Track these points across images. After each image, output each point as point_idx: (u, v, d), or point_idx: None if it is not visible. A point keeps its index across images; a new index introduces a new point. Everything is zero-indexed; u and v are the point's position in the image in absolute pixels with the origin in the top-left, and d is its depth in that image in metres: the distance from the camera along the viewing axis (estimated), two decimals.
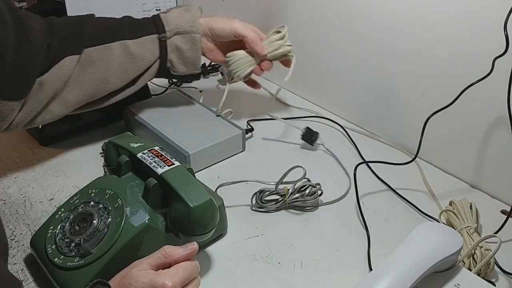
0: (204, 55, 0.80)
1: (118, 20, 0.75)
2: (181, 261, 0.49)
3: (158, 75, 0.78)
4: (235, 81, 1.04)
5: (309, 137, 0.82)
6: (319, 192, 0.69)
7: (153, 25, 0.74)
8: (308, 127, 0.83)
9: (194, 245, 0.51)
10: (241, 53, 0.80)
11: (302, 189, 0.68)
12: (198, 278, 0.51)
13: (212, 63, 1.08)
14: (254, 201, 0.68)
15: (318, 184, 0.69)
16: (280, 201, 0.68)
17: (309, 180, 0.69)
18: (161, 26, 0.74)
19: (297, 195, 0.68)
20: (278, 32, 0.80)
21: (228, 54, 0.80)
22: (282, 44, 0.80)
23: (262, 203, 0.68)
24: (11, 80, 0.61)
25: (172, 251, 0.49)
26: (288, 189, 0.68)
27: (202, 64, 1.08)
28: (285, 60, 0.83)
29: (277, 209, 0.68)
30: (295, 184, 0.68)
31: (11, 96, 0.62)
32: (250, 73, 0.82)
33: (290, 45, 0.81)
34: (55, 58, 0.67)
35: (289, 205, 0.68)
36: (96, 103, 0.74)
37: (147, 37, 0.73)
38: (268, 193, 0.68)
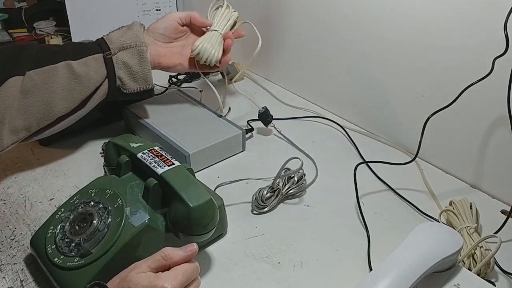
0: (159, 65, 0.78)
1: (62, 45, 0.74)
2: (180, 263, 0.49)
3: (108, 95, 0.75)
4: (234, 81, 1.05)
5: (265, 117, 0.84)
6: (304, 174, 0.71)
7: (96, 45, 0.73)
8: (266, 108, 0.85)
9: (193, 247, 0.50)
10: (201, 38, 0.80)
11: (291, 178, 0.71)
12: (199, 279, 0.50)
13: None
14: (255, 204, 0.68)
15: (301, 169, 0.71)
16: (278, 195, 0.69)
17: (289, 169, 0.71)
18: (105, 45, 0.73)
19: (288, 184, 0.70)
20: (220, 6, 0.84)
21: (193, 47, 0.80)
22: (229, 16, 0.83)
23: (263, 202, 0.68)
24: None
25: (171, 253, 0.49)
26: (279, 183, 0.69)
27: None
28: (236, 32, 0.85)
29: (278, 203, 0.69)
30: (284, 173, 0.70)
31: None
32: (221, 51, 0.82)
33: (235, 11, 0.84)
34: None
35: (285, 196, 0.70)
36: (45, 128, 0.71)
37: (92, 56, 0.72)
38: (265, 191, 0.68)
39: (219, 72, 1.02)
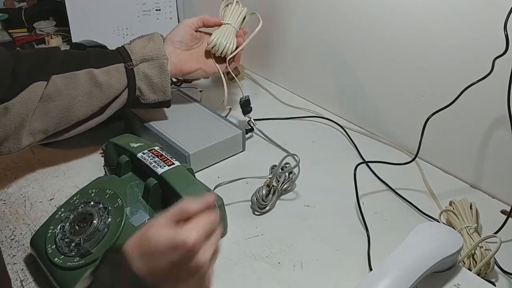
0: (180, 72, 0.80)
1: (85, 51, 0.75)
2: (199, 215, 0.44)
3: (127, 104, 0.76)
4: (234, 81, 1.04)
5: (246, 107, 0.84)
6: (292, 166, 0.71)
7: (119, 55, 0.74)
8: (249, 98, 0.86)
9: (212, 196, 0.46)
10: (216, 32, 0.83)
11: (283, 172, 0.72)
12: (219, 230, 0.46)
13: None
14: (256, 205, 0.68)
15: (287, 163, 0.73)
16: (275, 192, 0.69)
17: (276, 166, 0.72)
18: (127, 55, 0.74)
19: (281, 179, 0.71)
20: (230, 3, 0.86)
21: (208, 41, 0.82)
22: (240, 10, 0.86)
23: (264, 201, 0.68)
24: None
25: (189, 205, 0.44)
26: (274, 180, 0.70)
27: None
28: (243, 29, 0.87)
29: (276, 200, 0.70)
30: (275, 171, 0.71)
31: None
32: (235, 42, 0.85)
33: (244, 7, 0.87)
34: (22, 84, 0.66)
35: (282, 192, 0.71)
36: (62, 132, 0.72)
37: (114, 66, 0.73)
38: (264, 191, 0.68)
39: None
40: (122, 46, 0.76)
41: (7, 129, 0.65)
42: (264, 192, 0.68)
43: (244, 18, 0.87)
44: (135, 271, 0.40)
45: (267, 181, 0.70)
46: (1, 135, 0.66)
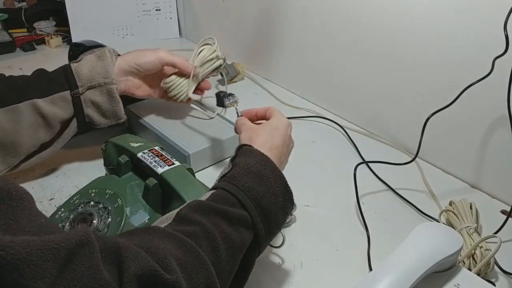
0: (132, 95, 0.77)
1: (28, 77, 0.69)
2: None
3: (80, 130, 0.73)
4: (234, 81, 1.05)
5: (221, 101, 0.73)
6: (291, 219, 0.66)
7: (64, 80, 0.69)
8: (225, 96, 0.74)
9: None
10: (176, 76, 0.77)
11: None
12: None
13: None
14: None
15: (291, 215, 0.65)
16: None
17: None
18: (73, 81, 0.69)
19: None
20: (207, 44, 0.78)
21: (165, 80, 0.77)
22: (213, 62, 0.79)
23: None
24: None
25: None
26: None
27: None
28: (204, 84, 0.82)
29: None
30: None
31: None
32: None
33: (222, 58, 0.79)
34: None
35: None
36: (15, 168, 0.69)
37: (58, 94, 0.68)
38: None
39: (219, 73, 1.02)
40: (69, 65, 0.70)
41: None
42: None
43: (219, 67, 0.80)
44: (263, 154, 0.53)
45: None
46: None
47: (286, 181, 0.52)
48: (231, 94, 0.72)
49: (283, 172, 0.53)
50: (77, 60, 0.72)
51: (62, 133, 0.71)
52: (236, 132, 0.62)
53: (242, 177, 0.49)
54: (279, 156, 0.56)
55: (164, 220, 0.45)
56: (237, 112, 0.69)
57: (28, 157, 0.69)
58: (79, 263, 0.32)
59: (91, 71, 0.70)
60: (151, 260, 0.37)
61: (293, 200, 0.52)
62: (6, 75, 0.69)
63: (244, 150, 0.54)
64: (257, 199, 0.48)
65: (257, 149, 0.53)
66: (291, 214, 0.64)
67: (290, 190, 0.52)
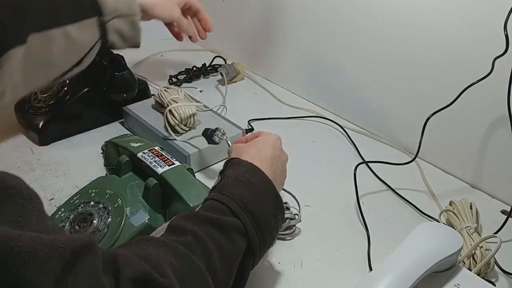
0: (152, 16, 0.82)
1: (58, 3, 0.72)
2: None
3: (99, 51, 0.77)
4: (234, 81, 1.05)
5: (210, 139, 0.72)
6: (296, 214, 0.64)
7: (92, 8, 0.73)
8: (214, 131, 0.72)
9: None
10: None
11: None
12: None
13: (212, 63, 1.08)
14: None
15: (294, 208, 0.66)
16: None
17: (285, 203, 0.63)
18: (99, 8, 0.73)
19: None
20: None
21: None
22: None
23: None
24: None
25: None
26: None
27: (203, 64, 1.08)
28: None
29: None
30: None
31: None
32: None
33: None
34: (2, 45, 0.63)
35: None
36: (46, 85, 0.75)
37: (87, 20, 0.72)
38: None
39: (219, 72, 1.03)
40: None
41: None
42: None
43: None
44: (252, 163, 0.52)
45: None
46: None
47: (275, 188, 0.52)
48: (216, 129, 0.72)
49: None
50: None
51: (87, 55, 0.75)
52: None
53: (231, 186, 0.50)
54: (269, 167, 0.55)
55: (157, 232, 0.46)
56: (228, 143, 0.70)
57: (57, 79, 0.73)
58: (82, 266, 0.32)
59: (116, 1, 0.74)
60: (146, 265, 0.37)
61: (283, 208, 0.53)
62: None
63: (232, 162, 0.54)
64: (247, 206, 0.48)
65: (245, 160, 0.53)
66: (297, 214, 0.64)
67: (280, 198, 0.52)
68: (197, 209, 0.48)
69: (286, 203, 0.66)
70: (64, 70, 0.72)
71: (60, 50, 0.70)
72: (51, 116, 0.81)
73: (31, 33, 0.66)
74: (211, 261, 0.43)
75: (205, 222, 0.46)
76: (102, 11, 0.73)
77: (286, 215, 0.63)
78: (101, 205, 0.57)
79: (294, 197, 0.69)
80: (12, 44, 0.63)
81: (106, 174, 0.72)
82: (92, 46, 0.74)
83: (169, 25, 0.88)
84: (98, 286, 0.33)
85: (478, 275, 0.55)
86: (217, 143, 0.72)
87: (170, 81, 1.03)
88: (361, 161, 0.78)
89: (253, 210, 0.48)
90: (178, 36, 0.90)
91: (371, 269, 0.60)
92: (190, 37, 0.90)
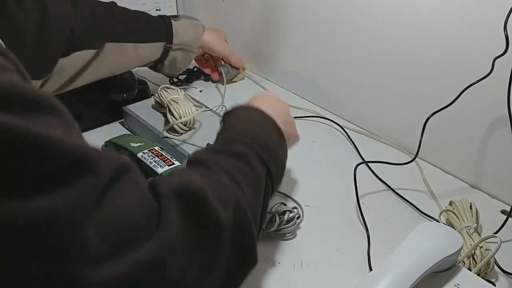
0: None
1: (136, 18, 0.82)
2: None
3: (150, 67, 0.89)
4: (235, 81, 1.05)
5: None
6: (297, 216, 0.64)
7: (164, 33, 0.84)
8: None
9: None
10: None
11: (280, 214, 0.62)
12: None
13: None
14: None
15: (296, 208, 0.65)
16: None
17: (285, 205, 0.65)
18: (170, 37, 0.84)
19: (274, 222, 0.61)
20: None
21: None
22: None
23: None
24: (31, 62, 0.61)
25: None
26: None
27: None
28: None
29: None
30: (272, 209, 0.63)
31: (31, 76, 0.63)
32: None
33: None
34: (77, 45, 0.71)
35: (266, 235, 0.62)
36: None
37: (156, 43, 0.83)
38: None
39: (219, 71, 1.03)
40: (170, 21, 0.85)
41: (56, 84, 0.72)
42: None
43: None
44: (259, 107, 0.56)
45: None
46: (54, 87, 0.71)
47: (276, 122, 0.55)
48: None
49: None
50: (176, 19, 0.87)
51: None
52: None
53: (235, 126, 0.53)
54: (271, 111, 0.56)
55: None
56: None
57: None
58: (127, 178, 0.33)
59: (186, 35, 0.86)
60: (181, 179, 0.39)
61: (283, 134, 0.55)
62: None
63: (229, 111, 0.56)
64: (254, 137, 0.50)
65: (241, 106, 0.57)
66: (296, 215, 0.64)
67: (281, 130, 0.55)
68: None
69: (285, 204, 0.66)
70: (116, 74, 0.82)
71: (127, 61, 0.81)
72: None
73: (108, 42, 0.76)
74: (235, 181, 0.43)
75: (220, 152, 0.47)
76: (172, 39, 0.83)
77: (288, 215, 0.63)
78: None
79: (293, 199, 0.69)
80: (89, 45, 0.73)
81: None
82: (147, 64, 0.85)
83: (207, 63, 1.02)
84: (143, 197, 0.34)
85: (478, 275, 0.55)
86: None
87: (171, 81, 1.03)
88: (361, 161, 0.78)
89: (260, 140, 0.50)
90: (214, 75, 1.03)
91: (371, 269, 0.60)
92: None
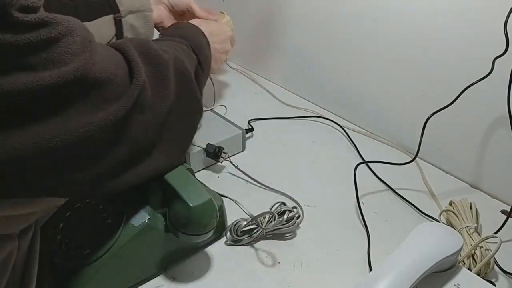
0: (162, 25, 0.87)
1: (73, 3, 0.78)
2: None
3: None
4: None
5: (215, 155, 0.75)
6: (297, 215, 0.64)
7: (107, 6, 0.78)
8: (217, 148, 0.75)
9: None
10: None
11: (280, 214, 0.63)
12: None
13: None
14: (229, 235, 0.63)
15: (295, 207, 0.65)
16: (257, 231, 0.62)
17: (284, 204, 0.66)
18: (115, 6, 0.78)
19: (274, 222, 0.62)
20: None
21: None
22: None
23: (238, 235, 0.62)
24: None
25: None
26: (265, 217, 0.62)
27: None
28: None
29: (255, 240, 0.63)
30: (271, 208, 0.64)
31: None
32: None
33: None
34: None
35: (266, 233, 0.63)
36: None
37: (103, 18, 0.77)
38: (245, 223, 0.62)
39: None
40: None
41: None
42: (243, 224, 0.62)
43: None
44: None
45: (253, 217, 0.62)
46: None
47: (202, 31, 0.70)
48: (222, 149, 0.75)
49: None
50: None
51: None
52: None
53: (168, 33, 0.67)
54: (207, 30, 0.71)
55: None
56: (233, 164, 0.76)
57: None
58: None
59: None
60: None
61: (209, 43, 0.70)
62: None
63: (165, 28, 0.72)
64: (187, 36, 0.65)
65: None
66: (296, 215, 0.64)
67: (206, 36, 0.70)
68: None
69: (284, 204, 0.66)
70: None
71: None
72: None
73: None
74: (171, 48, 0.57)
75: (160, 40, 0.62)
76: (118, 8, 0.78)
77: (288, 214, 0.63)
78: (100, 206, 0.57)
79: (293, 199, 0.69)
80: None
81: None
82: (108, 42, 0.78)
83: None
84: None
85: (478, 275, 0.55)
86: (221, 162, 0.76)
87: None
88: (361, 161, 0.78)
89: (193, 39, 0.66)
90: None
91: (371, 269, 0.60)
92: None
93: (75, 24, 0.41)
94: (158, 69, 0.51)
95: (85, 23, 0.74)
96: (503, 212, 0.69)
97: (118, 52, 0.47)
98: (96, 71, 0.40)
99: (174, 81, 0.53)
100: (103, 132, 0.42)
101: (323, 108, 0.97)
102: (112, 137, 0.44)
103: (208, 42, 0.70)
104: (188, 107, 0.57)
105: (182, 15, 0.88)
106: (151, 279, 0.57)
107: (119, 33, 0.79)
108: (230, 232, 0.62)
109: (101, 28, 0.76)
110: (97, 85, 0.41)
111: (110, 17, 0.77)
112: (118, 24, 0.78)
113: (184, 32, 0.67)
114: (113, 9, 0.78)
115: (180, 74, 0.55)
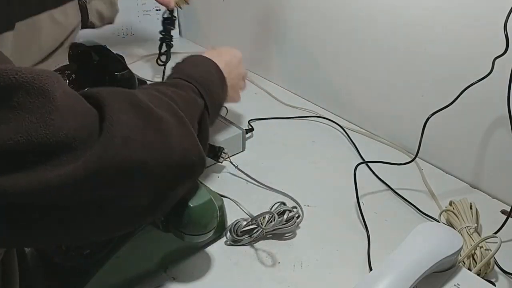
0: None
1: None
2: None
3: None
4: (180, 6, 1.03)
5: (215, 154, 0.75)
6: (297, 215, 0.64)
7: None
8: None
9: None
10: None
11: (279, 214, 0.63)
12: None
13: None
14: (229, 235, 0.62)
15: (295, 207, 0.65)
16: (257, 231, 0.62)
17: (284, 204, 0.66)
18: None
19: (274, 222, 0.62)
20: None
21: None
22: None
23: (238, 235, 0.62)
24: None
25: None
26: (265, 217, 0.62)
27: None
28: None
29: (255, 240, 0.63)
30: (271, 208, 0.64)
31: None
32: None
33: None
34: None
35: (266, 233, 0.63)
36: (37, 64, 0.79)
37: (70, 3, 0.78)
38: (245, 223, 0.62)
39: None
40: None
41: None
42: (243, 224, 0.62)
43: None
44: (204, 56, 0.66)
45: (253, 218, 0.62)
46: None
47: (217, 65, 0.65)
48: (222, 149, 0.75)
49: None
50: None
51: (70, 35, 0.81)
52: None
53: (179, 71, 0.61)
54: (223, 65, 0.66)
55: None
56: (233, 164, 0.76)
57: (45, 59, 0.77)
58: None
59: None
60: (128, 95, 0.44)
61: (225, 77, 0.65)
62: None
63: (178, 63, 0.64)
64: (193, 75, 0.59)
65: (191, 55, 0.65)
66: (295, 215, 0.64)
67: (221, 70, 0.65)
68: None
69: (284, 204, 0.66)
70: (50, 51, 0.77)
71: (47, 34, 0.75)
72: None
73: (17, 21, 0.69)
74: (170, 98, 0.50)
75: (162, 84, 0.57)
76: None
77: (288, 214, 0.63)
78: None
79: (293, 198, 0.69)
80: (2, 29, 0.67)
81: None
82: (74, 28, 0.80)
83: None
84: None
85: (478, 275, 0.55)
86: (221, 162, 0.75)
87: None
88: (361, 161, 0.78)
89: (200, 79, 0.59)
90: (168, 4, 0.97)
91: (371, 269, 0.60)
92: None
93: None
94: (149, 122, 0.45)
95: (53, 10, 0.74)
96: (503, 212, 0.69)
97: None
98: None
99: (174, 134, 0.47)
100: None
101: (323, 108, 0.97)
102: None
103: (221, 77, 0.65)
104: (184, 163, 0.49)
105: None
106: (151, 279, 0.57)
107: (84, 18, 0.81)
108: (230, 232, 0.62)
109: (67, 14, 0.77)
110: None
111: (75, 3, 0.78)
112: (84, 9, 0.80)
113: (194, 71, 0.61)
114: None
115: (178, 126, 0.48)
